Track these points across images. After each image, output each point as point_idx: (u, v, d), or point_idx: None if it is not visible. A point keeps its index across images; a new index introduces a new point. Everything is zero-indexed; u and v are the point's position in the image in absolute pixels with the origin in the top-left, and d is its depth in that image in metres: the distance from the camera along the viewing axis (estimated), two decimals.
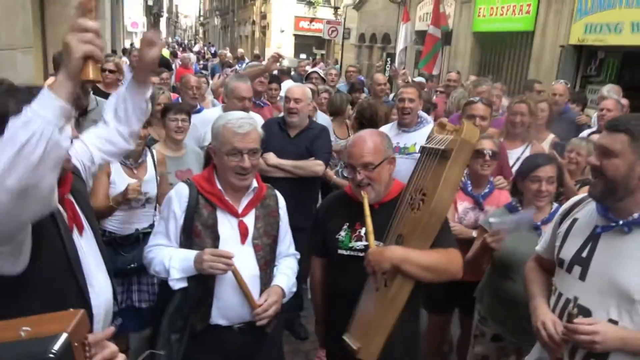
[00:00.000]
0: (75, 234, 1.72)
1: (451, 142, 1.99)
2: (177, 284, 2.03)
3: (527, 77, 10.00)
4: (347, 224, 2.19)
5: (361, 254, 2.09)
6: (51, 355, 0.93)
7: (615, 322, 1.67)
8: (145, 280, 2.93)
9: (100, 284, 1.80)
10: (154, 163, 3.00)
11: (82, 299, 1.70)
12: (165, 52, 10.69)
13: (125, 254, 2.82)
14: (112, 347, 1.20)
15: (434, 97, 6.69)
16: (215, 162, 2.15)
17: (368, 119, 3.97)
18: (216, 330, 2.10)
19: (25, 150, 1.18)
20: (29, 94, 1.55)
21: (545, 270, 2.08)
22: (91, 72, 1.24)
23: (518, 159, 3.83)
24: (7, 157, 1.18)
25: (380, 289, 2.00)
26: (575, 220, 1.89)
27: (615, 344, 1.63)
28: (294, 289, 2.31)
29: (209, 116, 3.47)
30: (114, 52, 10.31)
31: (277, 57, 4.59)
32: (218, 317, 2.10)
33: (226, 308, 2.09)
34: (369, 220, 2.01)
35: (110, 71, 4.74)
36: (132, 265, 2.79)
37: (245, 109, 3.54)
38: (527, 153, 3.89)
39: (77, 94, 1.36)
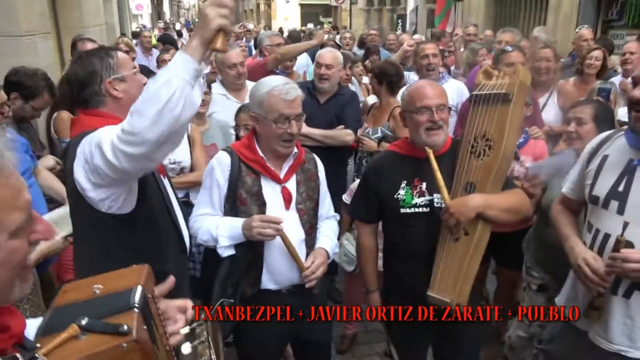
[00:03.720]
0: (160, 176, 1.88)
1: (509, 86, 1.99)
2: (225, 252, 2.07)
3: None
4: (405, 181, 2.14)
5: (426, 209, 2.10)
6: (136, 306, 0.94)
7: None
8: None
9: (182, 222, 1.96)
10: (188, 133, 2.99)
11: (177, 235, 1.90)
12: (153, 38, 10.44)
13: None
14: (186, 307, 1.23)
15: (447, 58, 6.41)
16: (259, 129, 2.13)
17: (395, 78, 3.57)
18: (266, 295, 2.14)
19: (169, 106, 1.32)
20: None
21: (572, 211, 2.07)
22: (220, 43, 1.38)
23: (544, 106, 3.75)
24: (152, 112, 1.32)
25: (460, 239, 2.02)
26: (606, 157, 1.86)
27: None
28: (337, 250, 2.34)
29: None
30: (123, 34, 10.24)
31: (328, 31, 4.57)
32: (268, 282, 2.13)
33: (276, 272, 2.13)
34: (438, 174, 2.01)
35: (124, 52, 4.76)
36: None
37: (240, 75, 3.51)
38: (552, 100, 3.81)
39: None
